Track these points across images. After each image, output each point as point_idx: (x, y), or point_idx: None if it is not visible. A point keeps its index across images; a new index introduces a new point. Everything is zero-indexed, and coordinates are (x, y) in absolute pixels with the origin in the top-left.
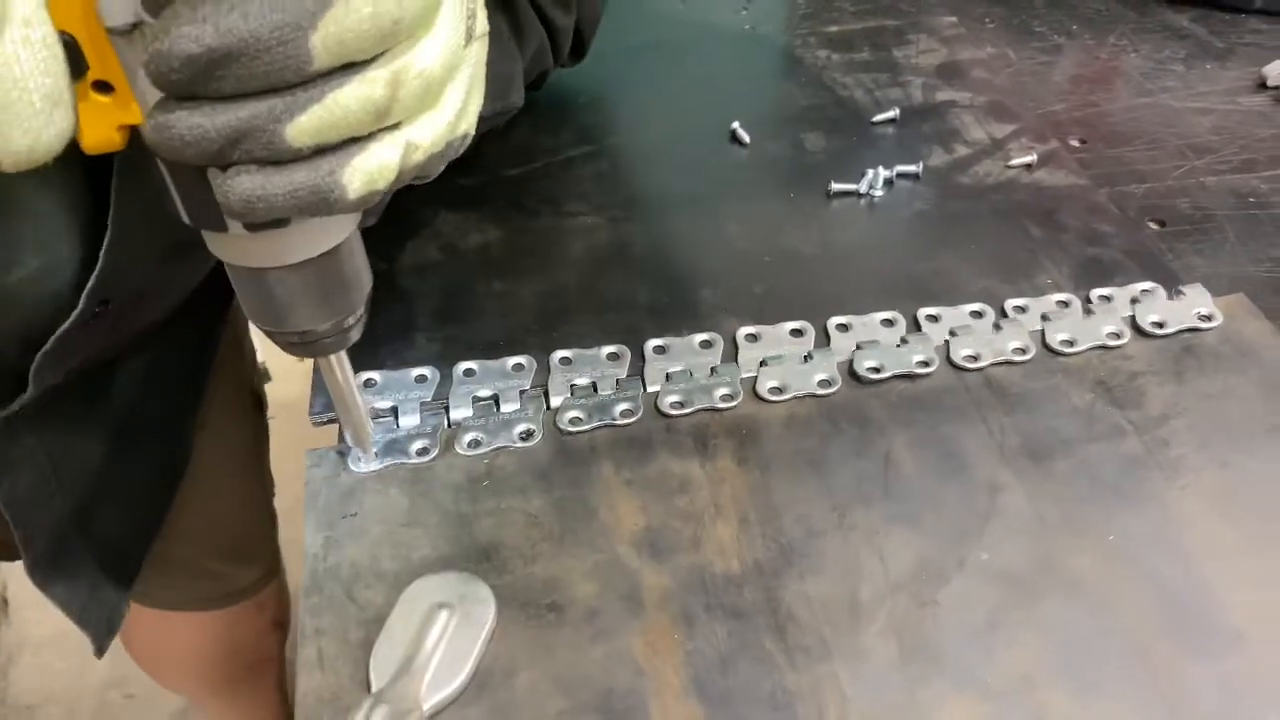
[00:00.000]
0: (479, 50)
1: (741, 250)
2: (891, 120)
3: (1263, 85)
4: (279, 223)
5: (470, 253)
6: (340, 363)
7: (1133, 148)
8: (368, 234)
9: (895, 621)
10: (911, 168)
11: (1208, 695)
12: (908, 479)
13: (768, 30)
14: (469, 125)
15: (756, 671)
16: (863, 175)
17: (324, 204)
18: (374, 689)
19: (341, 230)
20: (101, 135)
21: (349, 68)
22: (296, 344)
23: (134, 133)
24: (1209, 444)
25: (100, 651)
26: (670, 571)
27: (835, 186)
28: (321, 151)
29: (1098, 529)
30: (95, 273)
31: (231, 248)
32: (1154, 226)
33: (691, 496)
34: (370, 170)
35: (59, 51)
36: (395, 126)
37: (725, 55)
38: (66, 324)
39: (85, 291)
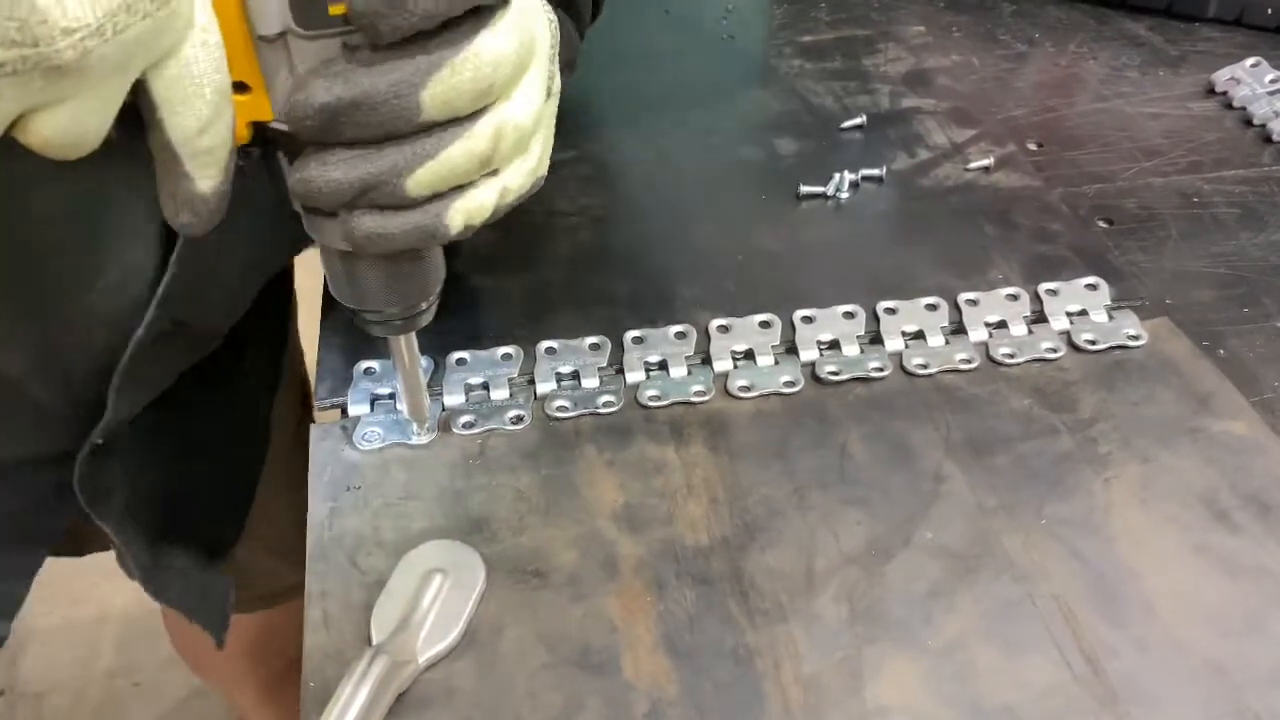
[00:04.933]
0: (554, 105)
1: (715, 248)
2: (859, 126)
3: (1211, 91)
4: None
5: (463, 250)
6: (409, 343)
7: (1086, 151)
8: None
9: (846, 589)
10: (876, 171)
11: (1125, 653)
12: (861, 468)
13: (746, 39)
14: (545, 168)
15: (720, 630)
16: (830, 179)
17: (430, 240)
18: (374, 643)
19: None
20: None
21: (454, 123)
22: (374, 323)
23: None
24: (1131, 443)
25: (220, 644)
26: (645, 543)
27: (804, 189)
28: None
29: (1030, 513)
30: (165, 280)
31: (333, 233)
32: (1103, 225)
33: (666, 478)
34: (470, 210)
35: (223, 53)
36: (493, 173)
37: (705, 63)
38: (140, 333)
39: (155, 299)
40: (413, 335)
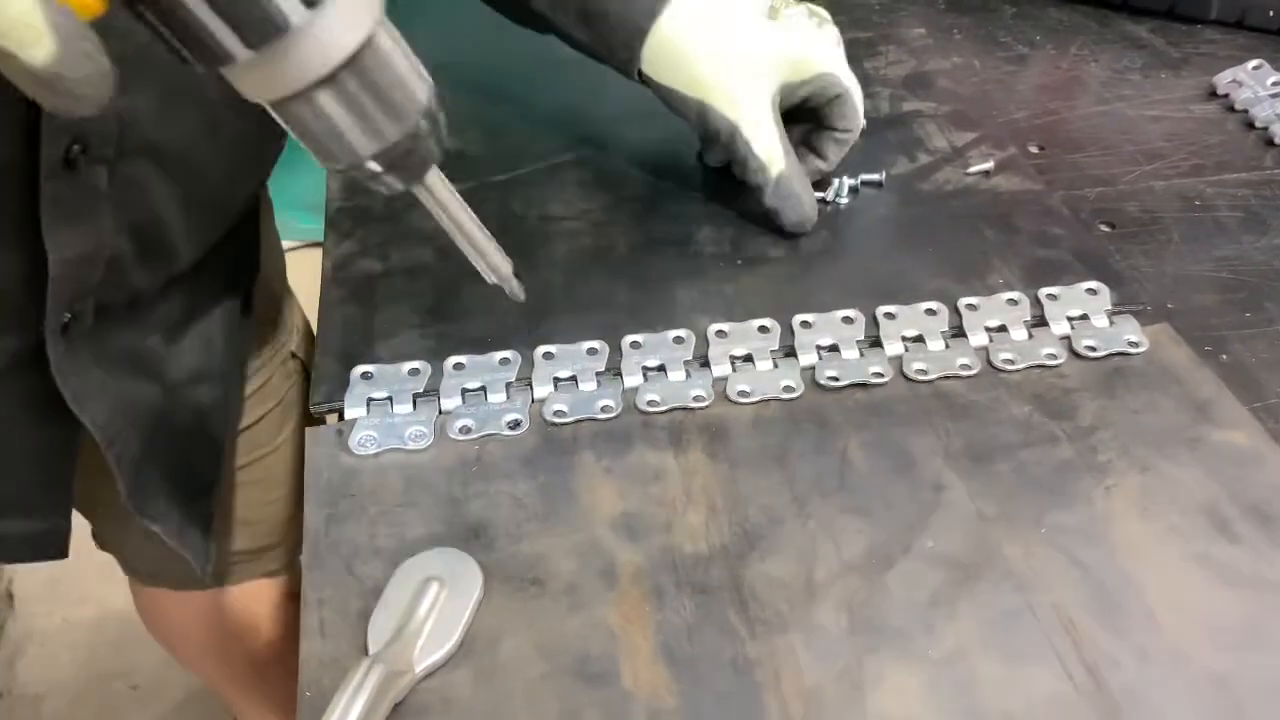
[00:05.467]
0: None
1: (714, 253)
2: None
3: (1213, 94)
4: (279, 32)
5: (460, 254)
6: (436, 190)
7: (1088, 154)
8: (365, 238)
9: (846, 598)
10: (875, 176)
11: (1126, 664)
12: (861, 475)
13: None
14: None
15: (720, 640)
16: (829, 183)
17: None
18: (371, 653)
19: (360, 23)
20: None
21: None
22: (382, 173)
23: None
24: (1131, 452)
25: (204, 574)
26: (644, 551)
27: None
28: None
29: (1031, 522)
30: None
31: (252, 80)
32: (1104, 229)
33: (665, 485)
34: None
35: None
36: None
37: None
38: (43, 152)
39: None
40: (439, 179)
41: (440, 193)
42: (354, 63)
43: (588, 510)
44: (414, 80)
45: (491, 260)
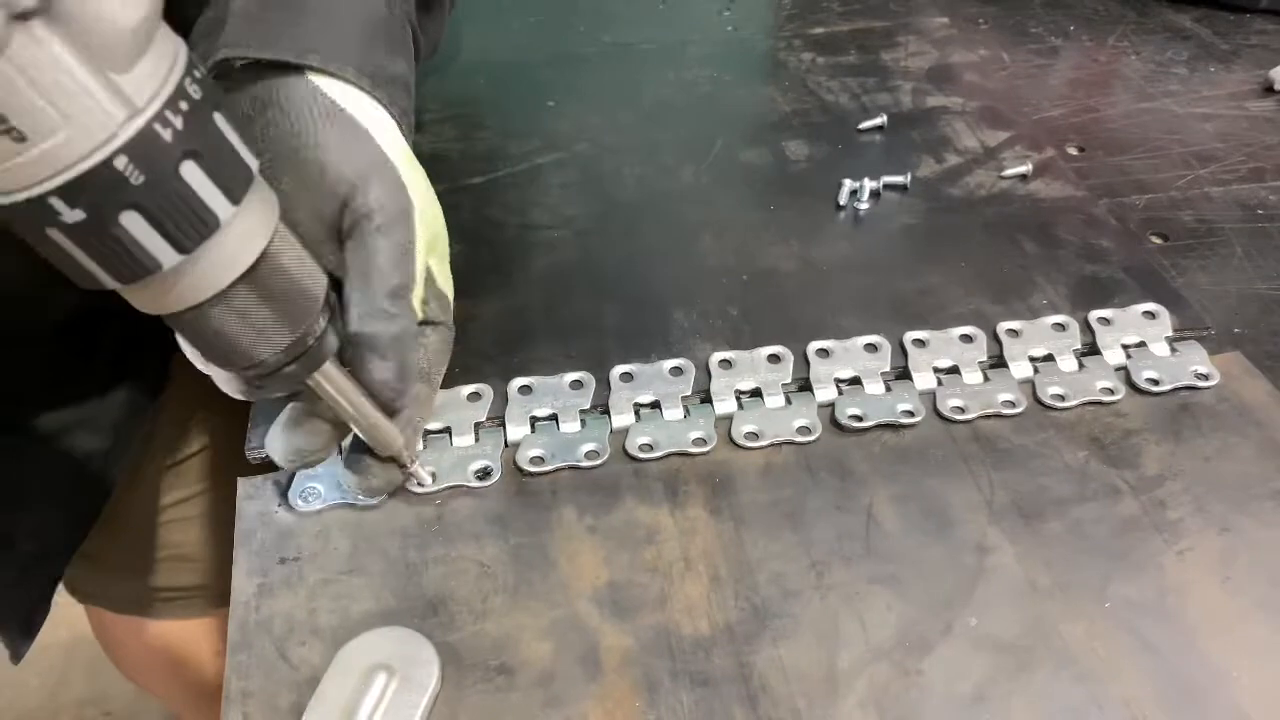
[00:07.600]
0: None
1: (716, 268)
2: (879, 127)
3: (1269, 89)
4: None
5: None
6: (333, 378)
7: (1133, 156)
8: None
9: (876, 692)
10: (899, 178)
11: None
12: (891, 536)
13: (750, 32)
14: None
15: None
16: (846, 186)
17: None
18: None
19: (255, 239)
20: None
21: None
22: (265, 377)
23: None
24: (1207, 507)
25: (16, 658)
26: (633, 632)
27: (819, 199)
28: None
29: (1093, 595)
30: None
31: (145, 298)
32: (1156, 241)
33: (659, 548)
34: None
35: None
36: None
37: (705, 58)
38: None
39: None
40: (335, 367)
41: (337, 380)
42: (247, 278)
43: (567, 580)
44: (304, 286)
45: (385, 438)
